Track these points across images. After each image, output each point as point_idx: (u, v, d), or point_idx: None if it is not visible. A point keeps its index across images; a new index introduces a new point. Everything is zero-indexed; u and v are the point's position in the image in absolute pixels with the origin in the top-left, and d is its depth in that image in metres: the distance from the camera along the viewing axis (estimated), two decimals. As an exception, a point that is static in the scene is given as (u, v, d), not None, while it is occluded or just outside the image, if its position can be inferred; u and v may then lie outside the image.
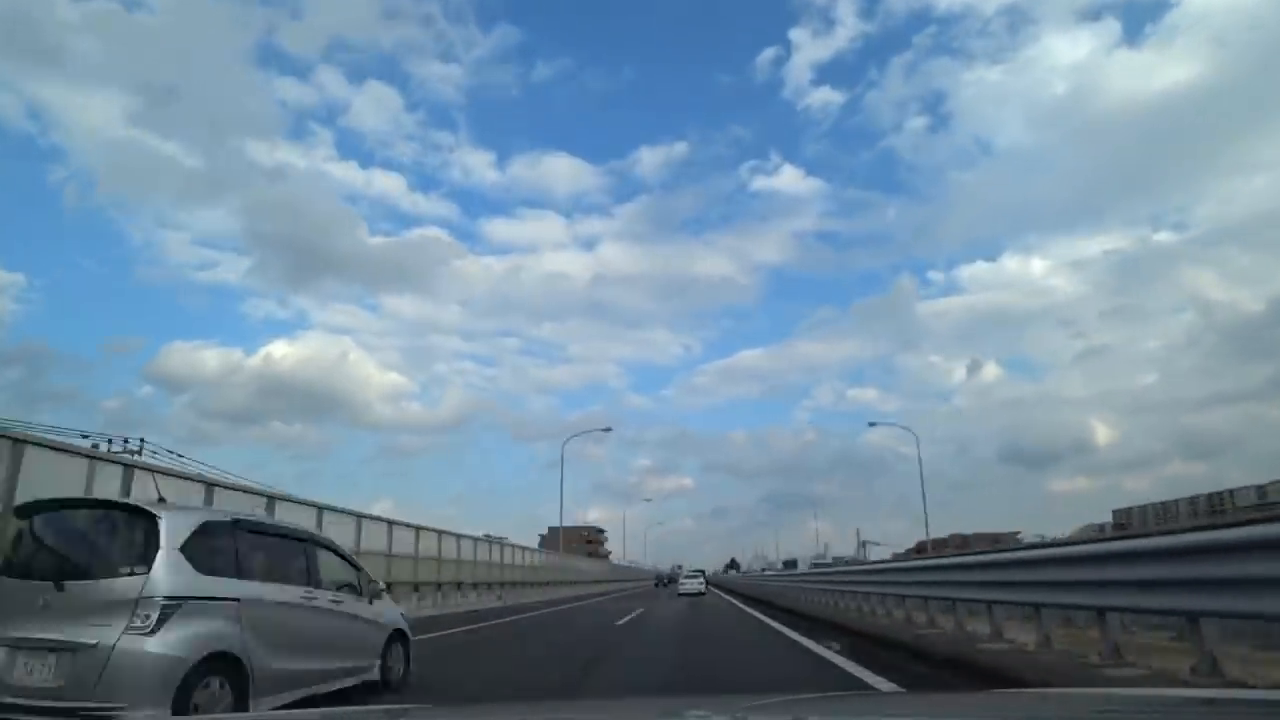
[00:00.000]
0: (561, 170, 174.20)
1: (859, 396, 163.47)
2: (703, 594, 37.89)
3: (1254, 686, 4.23)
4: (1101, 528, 57.00)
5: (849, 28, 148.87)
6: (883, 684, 6.40)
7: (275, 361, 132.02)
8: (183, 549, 4.75)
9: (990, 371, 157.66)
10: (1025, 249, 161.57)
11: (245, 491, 14.25)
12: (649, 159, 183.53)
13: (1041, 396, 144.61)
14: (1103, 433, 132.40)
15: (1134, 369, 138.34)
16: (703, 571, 74.00)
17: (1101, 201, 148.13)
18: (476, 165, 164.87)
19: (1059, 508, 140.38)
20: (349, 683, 6.19)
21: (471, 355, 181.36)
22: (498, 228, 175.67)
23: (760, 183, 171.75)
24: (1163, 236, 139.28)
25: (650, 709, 2.65)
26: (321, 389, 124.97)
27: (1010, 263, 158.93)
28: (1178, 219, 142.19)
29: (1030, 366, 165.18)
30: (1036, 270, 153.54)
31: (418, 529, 22.47)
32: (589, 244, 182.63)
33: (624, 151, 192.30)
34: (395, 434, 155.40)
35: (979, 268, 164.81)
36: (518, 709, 4.39)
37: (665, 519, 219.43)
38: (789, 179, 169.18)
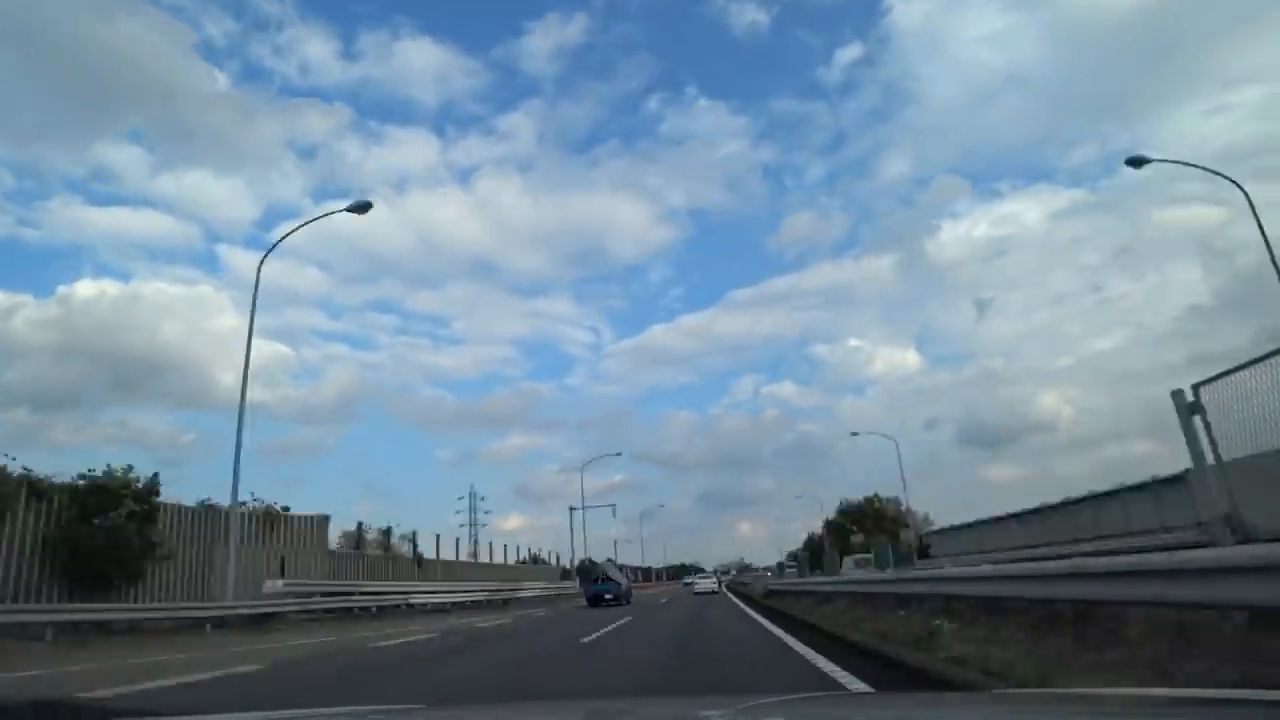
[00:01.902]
0: (425, 62, 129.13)
1: (777, 391, 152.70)
2: (715, 593, 41.24)
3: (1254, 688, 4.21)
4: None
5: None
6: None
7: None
8: None
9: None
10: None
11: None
12: (538, 45, 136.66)
13: (997, 371, 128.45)
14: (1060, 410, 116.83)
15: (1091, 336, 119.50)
16: (716, 571, 75.77)
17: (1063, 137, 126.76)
18: (317, 58, 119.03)
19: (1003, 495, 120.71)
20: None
21: (343, 336, 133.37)
22: (351, 150, 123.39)
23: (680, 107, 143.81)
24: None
25: (649, 708, 2.64)
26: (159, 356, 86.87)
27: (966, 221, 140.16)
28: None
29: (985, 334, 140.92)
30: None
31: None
32: (465, 176, 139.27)
33: (504, 33, 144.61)
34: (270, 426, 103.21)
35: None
36: (516, 709, 4.37)
37: (597, 523, 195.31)
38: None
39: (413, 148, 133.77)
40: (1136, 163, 22.77)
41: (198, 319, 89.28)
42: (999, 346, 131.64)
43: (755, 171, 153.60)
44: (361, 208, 22.77)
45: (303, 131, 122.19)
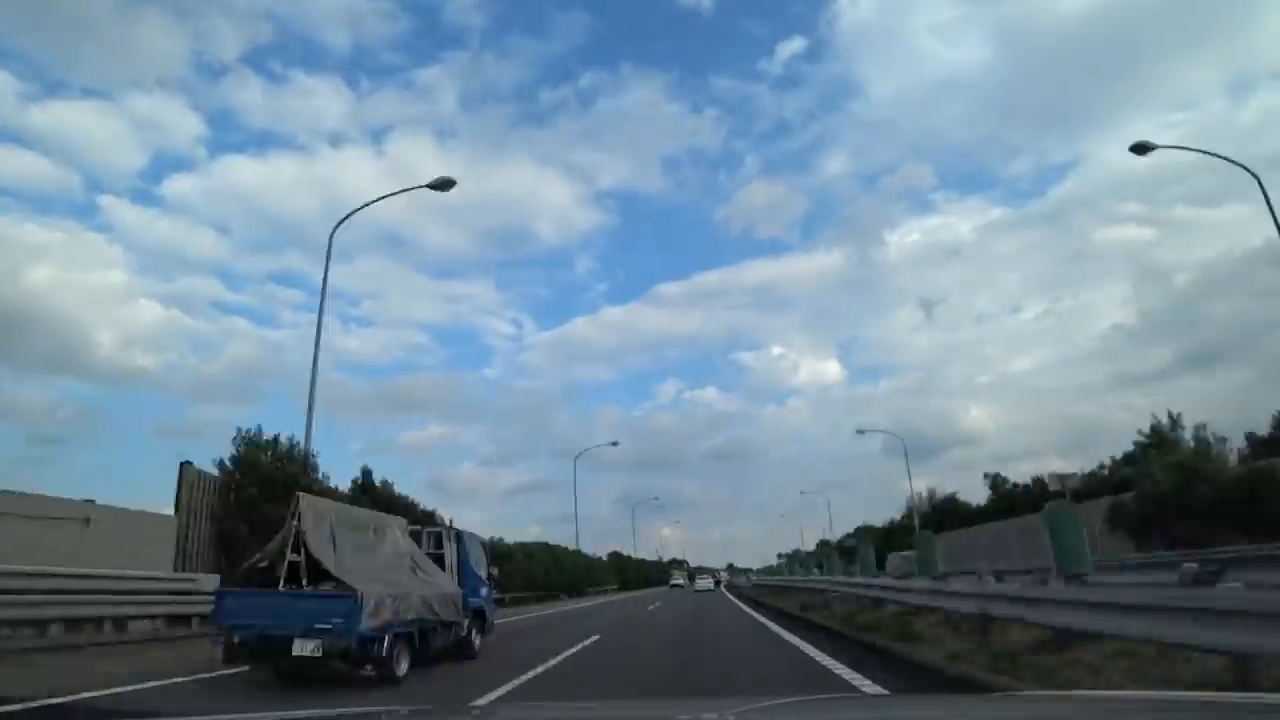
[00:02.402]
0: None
1: (700, 396, 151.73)
2: (712, 590, 49.46)
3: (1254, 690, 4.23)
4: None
5: None
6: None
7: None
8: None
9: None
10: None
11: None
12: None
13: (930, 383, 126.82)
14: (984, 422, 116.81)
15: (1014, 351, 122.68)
16: (714, 572, 78.71)
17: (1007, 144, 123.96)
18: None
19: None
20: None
21: (242, 309, 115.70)
22: (252, 97, 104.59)
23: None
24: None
25: (648, 710, 2.66)
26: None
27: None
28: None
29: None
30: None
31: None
32: (379, 135, 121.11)
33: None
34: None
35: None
36: (516, 709, 4.39)
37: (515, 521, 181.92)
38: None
39: (322, 98, 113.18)
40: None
41: (73, 269, 79.13)
42: (932, 357, 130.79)
43: (693, 157, 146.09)
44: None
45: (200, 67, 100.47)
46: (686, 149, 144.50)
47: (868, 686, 6.57)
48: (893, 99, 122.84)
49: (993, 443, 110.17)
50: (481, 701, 6.00)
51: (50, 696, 5.72)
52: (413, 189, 21.91)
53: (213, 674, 8.19)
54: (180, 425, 79.07)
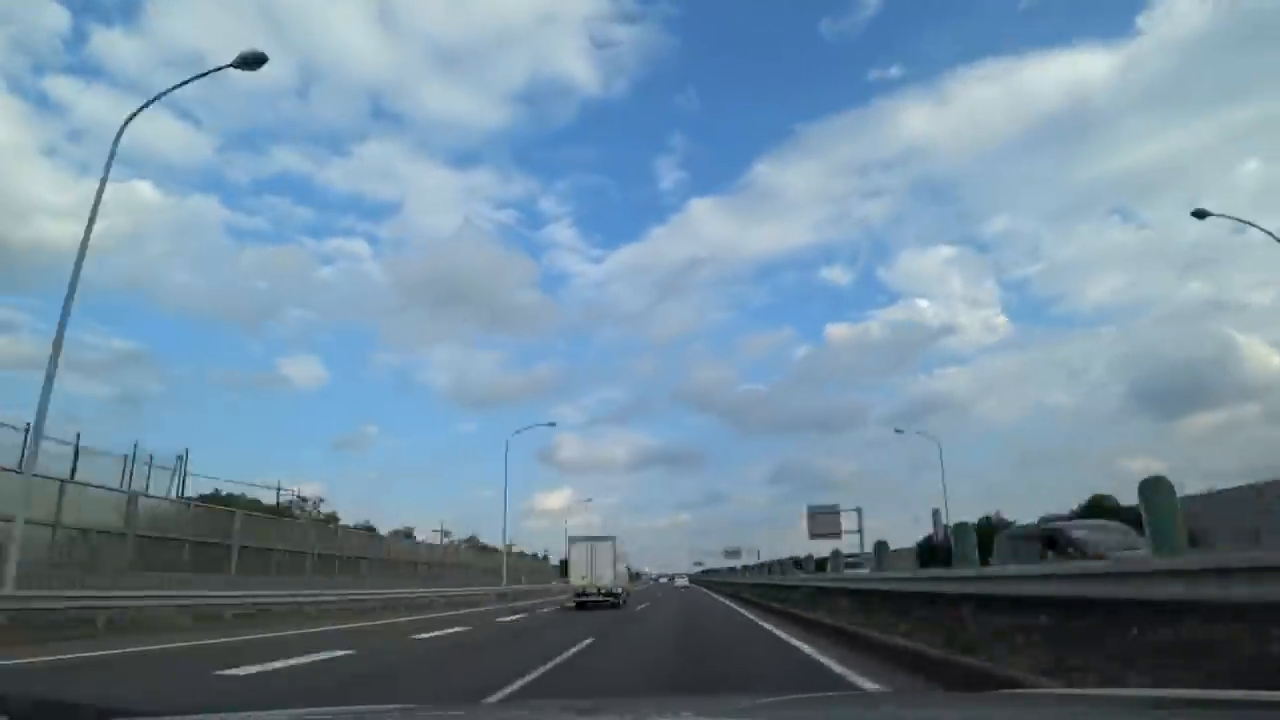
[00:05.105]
0: None
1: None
2: (689, 587, 61.30)
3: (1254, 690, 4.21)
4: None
5: None
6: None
7: None
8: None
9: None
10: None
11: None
12: None
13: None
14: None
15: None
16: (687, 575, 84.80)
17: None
18: None
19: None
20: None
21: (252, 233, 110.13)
22: None
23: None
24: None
25: (648, 709, 2.65)
26: None
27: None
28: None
29: None
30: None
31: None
32: None
33: None
34: None
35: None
36: (516, 709, 4.39)
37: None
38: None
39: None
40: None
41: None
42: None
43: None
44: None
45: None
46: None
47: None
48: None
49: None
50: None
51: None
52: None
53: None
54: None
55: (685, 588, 60.60)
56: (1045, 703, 2.22)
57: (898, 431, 52.74)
